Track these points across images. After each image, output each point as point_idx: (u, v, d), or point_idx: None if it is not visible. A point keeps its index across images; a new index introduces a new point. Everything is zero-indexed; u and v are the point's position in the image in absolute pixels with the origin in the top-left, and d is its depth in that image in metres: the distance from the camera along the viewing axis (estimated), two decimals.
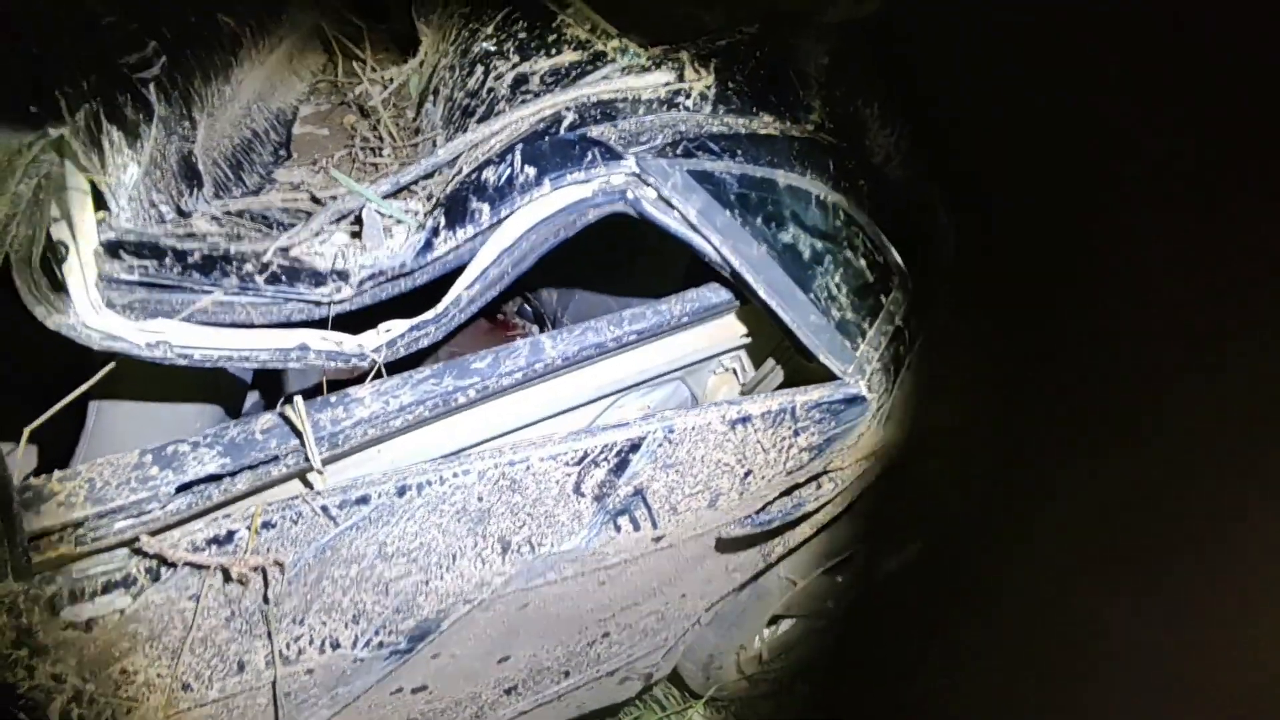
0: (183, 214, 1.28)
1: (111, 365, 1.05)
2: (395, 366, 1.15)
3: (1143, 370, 1.15)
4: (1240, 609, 1.01)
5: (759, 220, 1.17)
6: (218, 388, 1.43)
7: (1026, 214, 1.32)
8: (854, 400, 1.18)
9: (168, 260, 1.10)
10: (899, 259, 1.26)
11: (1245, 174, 1.01)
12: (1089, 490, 1.22)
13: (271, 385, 1.72)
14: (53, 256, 0.94)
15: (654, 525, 1.15)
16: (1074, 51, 1.21)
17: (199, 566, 0.97)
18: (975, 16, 1.33)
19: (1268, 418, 0.97)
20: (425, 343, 1.18)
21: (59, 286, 0.96)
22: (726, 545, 1.30)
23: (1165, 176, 1.11)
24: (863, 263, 1.24)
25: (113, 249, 1.06)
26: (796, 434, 1.17)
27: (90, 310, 0.99)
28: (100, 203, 0.99)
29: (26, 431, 1.00)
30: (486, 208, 1.15)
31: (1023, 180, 1.32)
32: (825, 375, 1.19)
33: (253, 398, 1.71)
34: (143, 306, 1.08)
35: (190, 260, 1.11)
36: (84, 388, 1.06)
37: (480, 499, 1.06)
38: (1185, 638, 1.07)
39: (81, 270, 0.97)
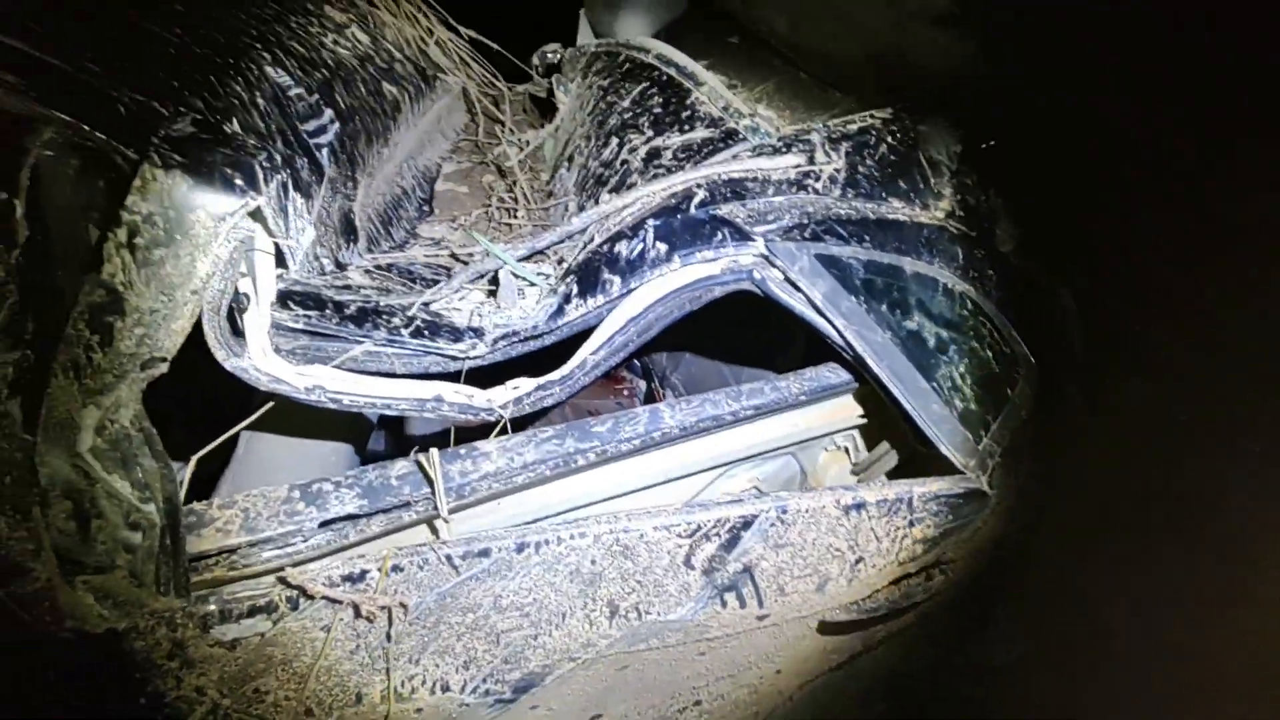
0: (340, 266, 1.40)
1: (271, 404, 1.16)
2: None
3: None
4: None
5: (884, 306, 1.18)
6: (351, 427, 1.53)
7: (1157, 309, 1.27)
8: (975, 495, 1.15)
9: (328, 311, 1.20)
10: (1027, 351, 1.23)
11: None
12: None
13: (394, 425, 1.82)
14: (236, 307, 1.05)
15: (760, 604, 1.15)
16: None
17: (334, 601, 1.04)
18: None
19: None
20: (549, 402, 1.23)
21: (239, 333, 1.07)
22: (829, 628, 1.28)
23: None
24: (989, 354, 1.22)
25: (283, 299, 1.17)
26: (912, 524, 1.15)
27: (262, 355, 1.10)
28: (280, 260, 1.09)
29: (194, 460, 1.11)
30: (618, 280, 1.21)
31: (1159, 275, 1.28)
32: (945, 466, 1.17)
33: (376, 436, 1.82)
34: (303, 352, 1.18)
35: (347, 312, 1.21)
36: (248, 421, 1.17)
37: (594, 562, 1.09)
38: None
39: (259, 320, 1.08)
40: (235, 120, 1.19)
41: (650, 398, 2.48)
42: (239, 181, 0.93)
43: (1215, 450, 1.12)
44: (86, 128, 0.92)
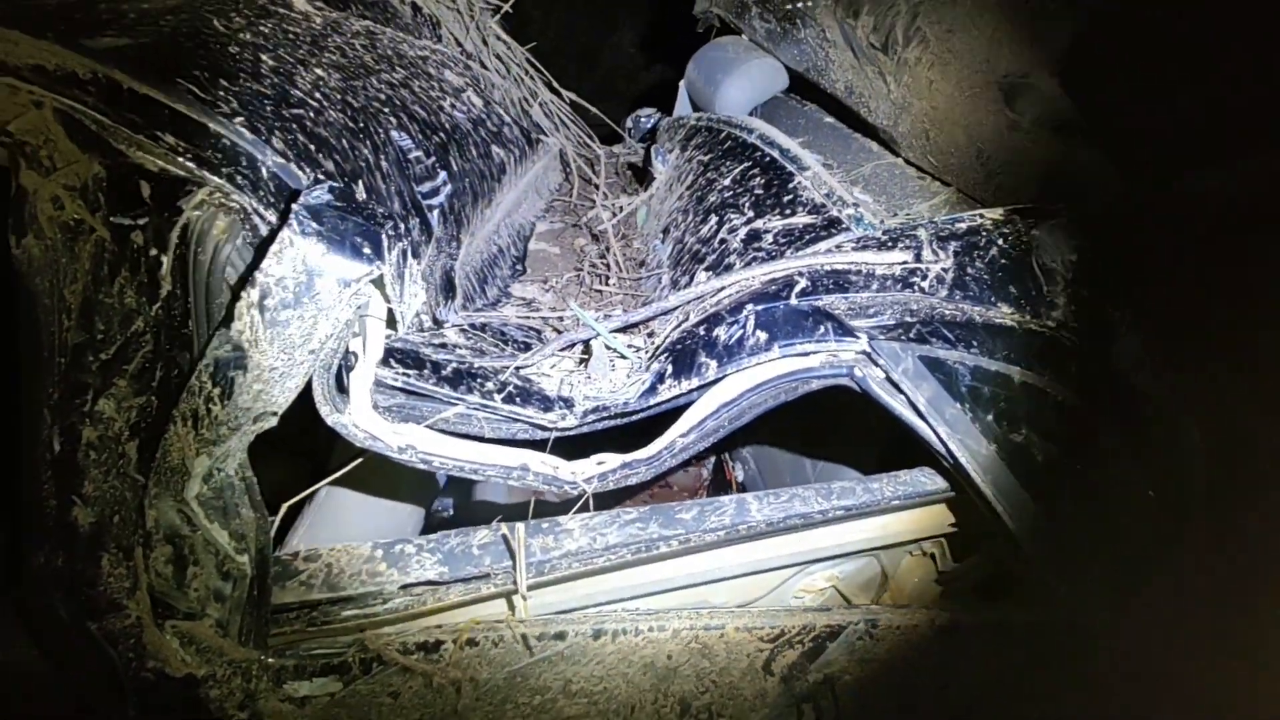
0: (437, 322, 1.43)
1: (361, 459, 1.17)
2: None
3: None
4: None
5: (990, 417, 1.13)
6: (422, 486, 1.54)
7: None
8: (1078, 630, 1.08)
9: (426, 370, 1.22)
10: (1142, 479, 1.16)
11: None
12: None
13: (460, 488, 1.84)
14: (344, 365, 1.08)
15: (837, 719, 1.09)
16: None
17: (407, 669, 1.03)
18: None
19: None
20: (634, 480, 1.22)
21: (343, 389, 1.10)
22: None
23: None
24: (1099, 477, 1.15)
25: (384, 356, 1.20)
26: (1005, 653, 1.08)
27: (362, 412, 1.11)
28: (390, 322, 1.12)
29: (284, 508, 1.12)
30: (714, 364, 1.20)
31: None
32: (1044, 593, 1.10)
33: (442, 499, 1.83)
34: (399, 410, 1.20)
35: (443, 373, 1.23)
36: (341, 473, 1.19)
37: (670, 657, 1.06)
38: None
39: (364, 379, 1.10)
40: (361, 182, 1.24)
41: (719, 468, 2.45)
42: (367, 250, 0.96)
43: None
44: (234, 190, 0.97)
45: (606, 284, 1.73)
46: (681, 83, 2.51)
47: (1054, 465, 1.13)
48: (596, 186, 2.23)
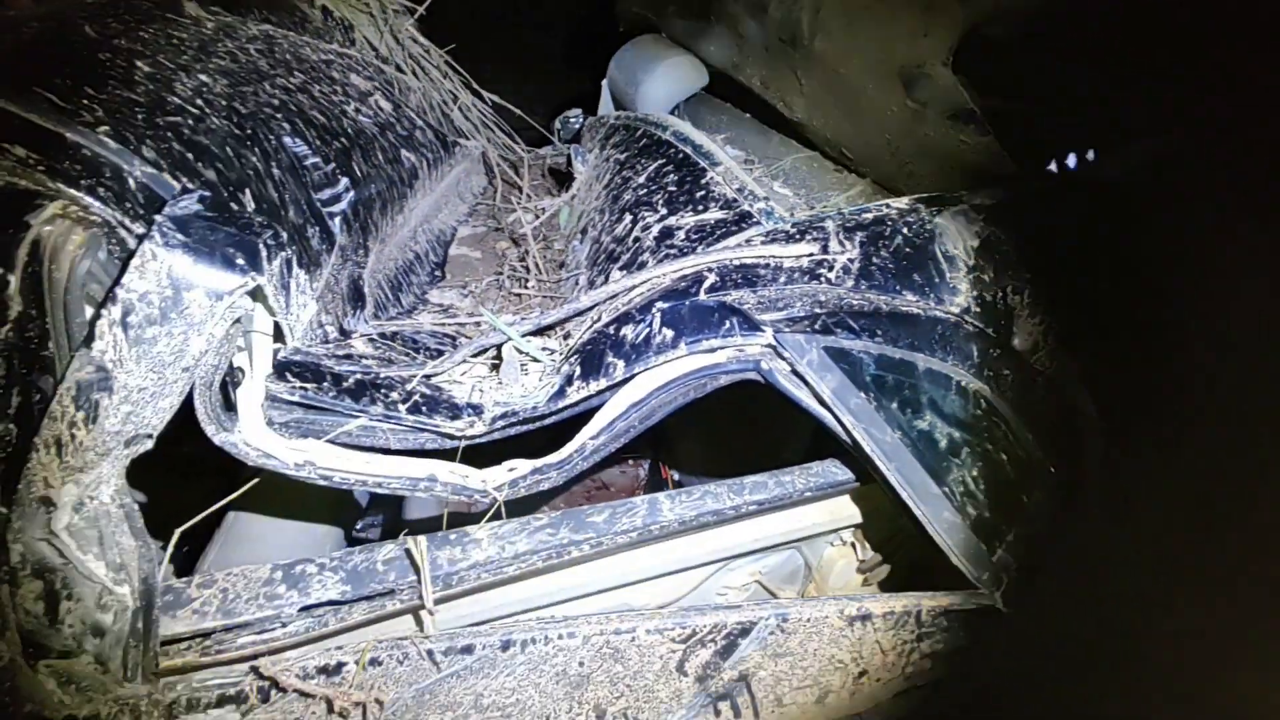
0: (344, 333, 1.39)
1: (257, 480, 1.13)
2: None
3: None
4: None
5: (894, 405, 1.14)
6: (341, 507, 1.50)
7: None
8: (987, 612, 1.09)
9: (325, 384, 1.18)
10: (1044, 457, 1.19)
11: None
12: None
13: (388, 506, 1.79)
14: (230, 381, 1.04)
15: (755, 715, 1.08)
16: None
17: (306, 694, 0.99)
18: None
19: None
20: (545, 486, 1.19)
21: (231, 407, 1.05)
22: None
23: None
24: (1004, 457, 1.17)
25: (281, 370, 1.15)
26: (920, 639, 1.09)
27: (253, 430, 1.07)
28: (278, 335, 1.08)
29: (177, 534, 1.07)
30: (621, 364, 1.18)
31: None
32: (955, 577, 1.11)
33: (370, 520, 1.78)
34: (296, 425, 1.16)
35: (344, 385, 1.19)
36: (231, 497, 1.13)
37: (581, 664, 1.04)
38: None
39: (251, 395, 1.06)
40: (249, 190, 1.20)
41: (656, 468, 2.44)
42: (240, 261, 0.92)
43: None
44: (95, 202, 0.92)
45: (526, 287, 1.71)
46: (604, 82, 2.50)
47: (957, 448, 1.14)
48: (520, 189, 2.20)
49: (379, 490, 1.16)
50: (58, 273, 0.88)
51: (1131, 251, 1.30)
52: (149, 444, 0.93)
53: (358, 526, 1.73)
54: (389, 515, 2.00)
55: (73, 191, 0.90)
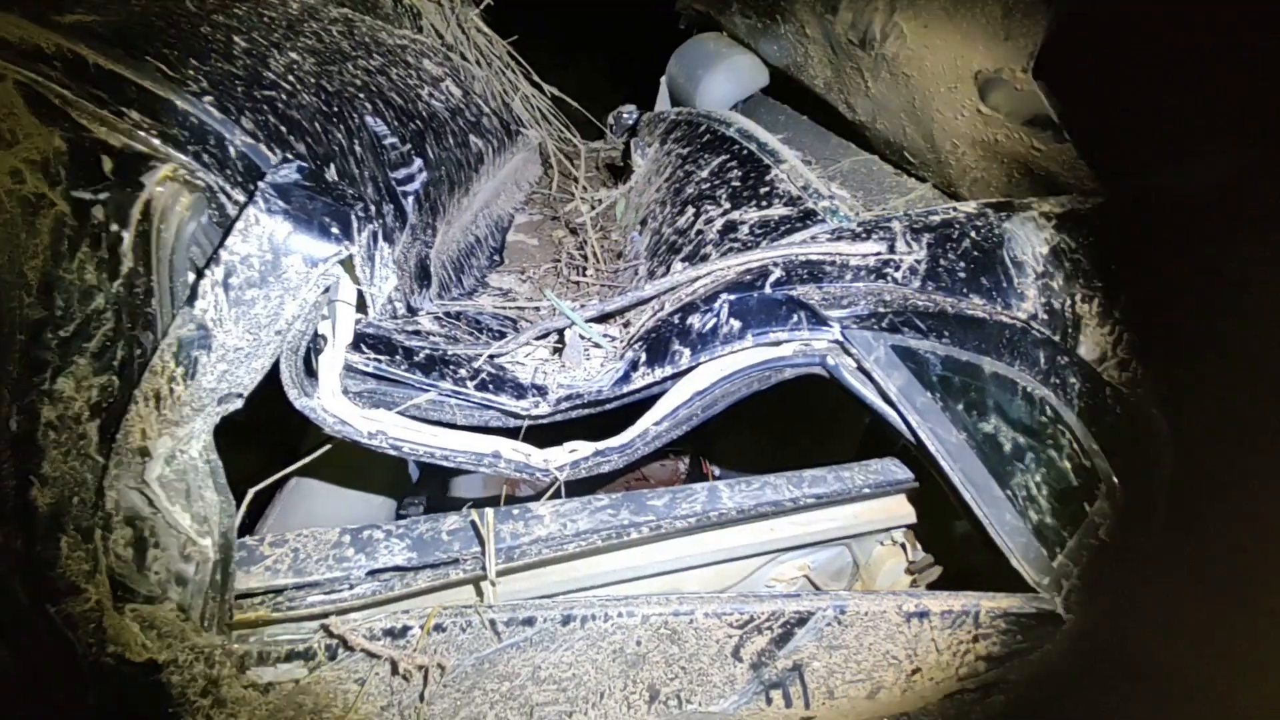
0: (411, 310, 1.42)
1: (328, 446, 1.16)
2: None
3: None
4: None
5: (960, 406, 1.14)
6: (394, 479, 1.53)
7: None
8: (1047, 617, 1.08)
9: (398, 356, 1.21)
10: (1108, 467, 1.18)
11: None
12: None
13: (434, 484, 1.82)
14: (313, 348, 1.07)
15: (806, 705, 1.09)
16: None
17: (373, 654, 1.02)
18: None
19: None
20: (606, 469, 1.22)
21: (312, 373, 1.09)
22: None
23: None
24: (1067, 465, 1.16)
25: (356, 341, 1.19)
26: (976, 640, 1.09)
27: (331, 397, 1.10)
28: (360, 306, 1.11)
29: (250, 493, 1.11)
30: (688, 352, 1.19)
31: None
32: (1015, 581, 1.11)
33: (414, 496, 1.82)
34: (370, 395, 1.19)
35: (416, 359, 1.22)
36: (309, 459, 1.17)
37: (639, 643, 1.05)
38: None
39: (333, 363, 1.09)
40: (333, 166, 1.23)
41: (696, 462, 2.45)
42: (335, 230, 0.95)
43: None
44: (200, 168, 0.96)
45: (584, 275, 1.73)
46: (663, 78, 2.52)
47: (1021, 453, 1.14)
48: (576, 180, 2.23)
49: (445, 463, 1.19)
50: (165, 233, 0.92)
51: (1207, 264, 1.28)
52: (239, 403, 0.96)
53: (405, 504, 1.77)
54: (434, 494, 2.04)
55: (182, 156, 0.94)
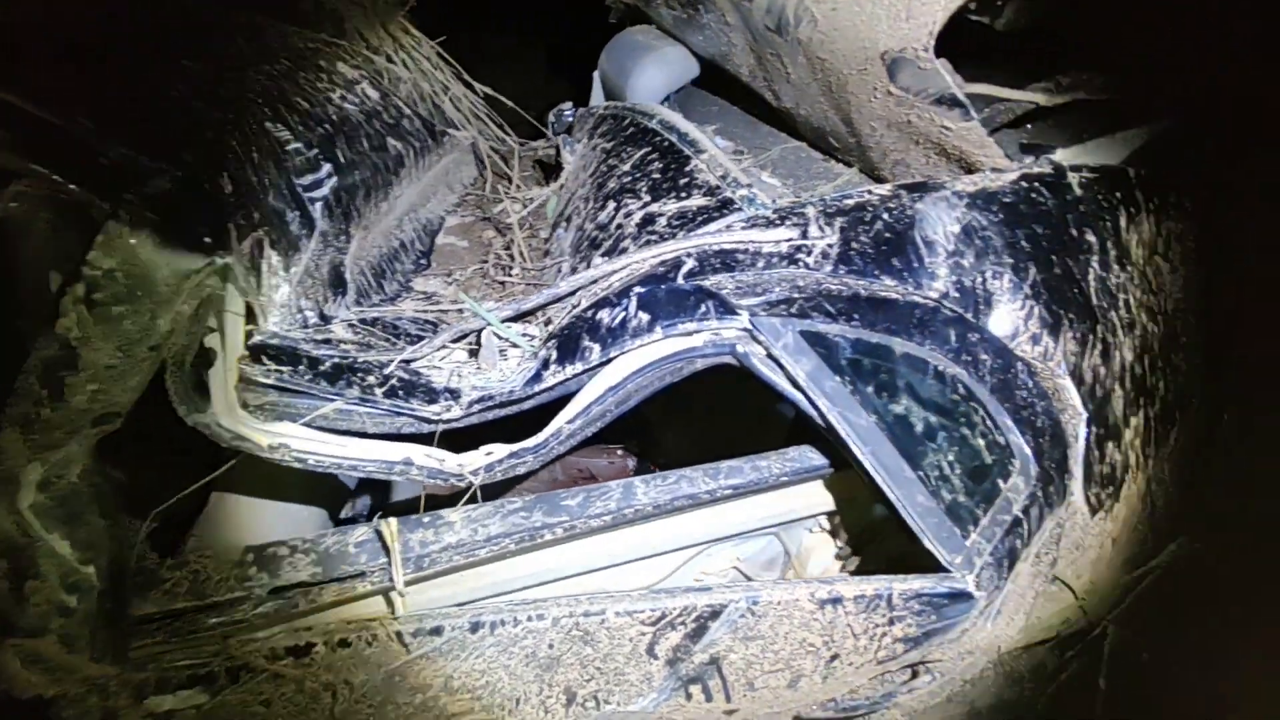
0: (324, 318, 1.39)
1: (233, 462, 1.13)
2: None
3: None
4: None
5: (871, 388, 1.13)
6: (326, 491, 1.50)
7: None
8: (959, 596, 1.08)
9: (301, 367, 1.18)
10: (1022, 443, 1.18)
11: None
12: None
13: (376, 489, 1.79)
14: (201, 362, 1.04)
15: (727, 698, 1.08)
16: None
17: (277, 675, 0.99)
18: None
19: None
20: (522, 470, 1.20)
21: (203, 388, 1.05)
22: None
23: None
24: (980, 442, 1.16)
25: (256, 353, 1.16)
26: (891, 623, 1.08)
27: (225, 411, 1.07)
28: (251, 317, 1.08)
29: (153, 515, 1.07)
30: (598, 347, 1.18)
31: None
32: (929, 561, 1.10)
33: (355, 502, 1.78)
34: (272, 408, 1.16)
35: (321, 368, 1.19)
36: (206, 480, 1.14)
37: (551, 646, 1.04)
38: None
39: (224, 375, 1.06)
40: (226, 174, 1.19)
41: (644, 458, 2.43)
42: (207, 240, 0.92)
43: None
44: (62, 181, 0.92)
45: (510, 275, 1.70)
46: (595, 73, 2.49)
47: (932, 432, 1.13)
48: (510, 180, 2.20)
49: (355, 474, 1.17)
50: (28, 251, 0.88)
51: (1118, 237, 1.29)
52: (117, 423, 0.93)
53: (346, 511, 1.73)
54: (376, 499, 2.00)
55: (41, 170, 0.91)
